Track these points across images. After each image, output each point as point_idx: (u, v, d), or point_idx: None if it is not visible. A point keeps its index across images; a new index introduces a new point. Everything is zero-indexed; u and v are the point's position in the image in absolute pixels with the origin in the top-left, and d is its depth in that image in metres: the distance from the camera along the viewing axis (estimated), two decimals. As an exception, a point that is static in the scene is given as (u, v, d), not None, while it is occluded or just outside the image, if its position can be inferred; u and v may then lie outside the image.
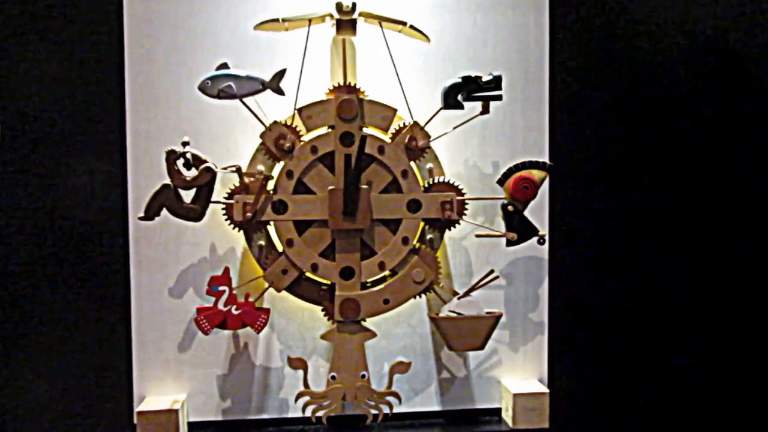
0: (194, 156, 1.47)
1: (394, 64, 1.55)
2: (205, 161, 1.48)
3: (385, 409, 1.58)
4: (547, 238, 1.60)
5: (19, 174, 1.59)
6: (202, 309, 1.52)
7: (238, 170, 1.51)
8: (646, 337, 1.79)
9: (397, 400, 1.59)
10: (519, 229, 1.57)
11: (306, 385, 1.57)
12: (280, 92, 1.50)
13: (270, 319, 1.58)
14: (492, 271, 1.62)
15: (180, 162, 1.47)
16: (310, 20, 1.52)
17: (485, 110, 1.55)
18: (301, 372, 1.57)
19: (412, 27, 1.54)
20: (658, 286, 1.78)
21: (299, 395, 1.57)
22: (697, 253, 1.79)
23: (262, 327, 1.54)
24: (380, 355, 1.67)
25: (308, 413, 1.57)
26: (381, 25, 1.54)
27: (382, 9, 1.56)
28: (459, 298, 1.60)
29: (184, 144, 1.47)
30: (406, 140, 1.54)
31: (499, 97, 1.53)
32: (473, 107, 1.55)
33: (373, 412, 1.58)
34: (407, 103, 1.56)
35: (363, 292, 1.55)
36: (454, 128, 1.57)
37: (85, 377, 1.62)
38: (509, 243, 1.58)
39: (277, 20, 1.51)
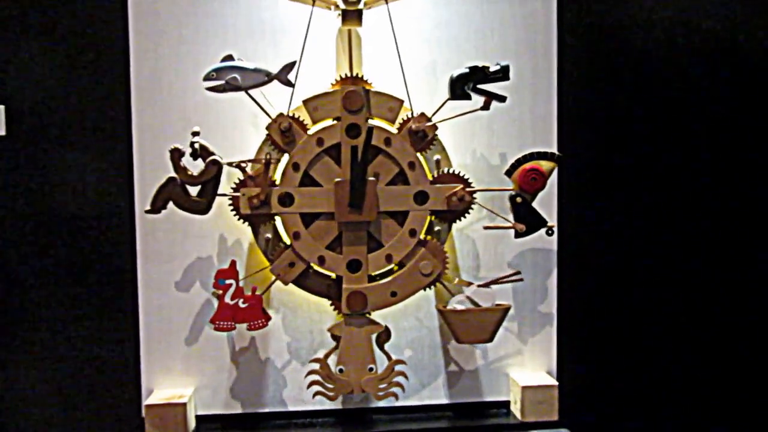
0: (202, 146, 1.47)
1: (399, 59, 1.54)
2: (213, 153, 1.47)
3: (402, 381, 1.56)
4: (555, 229, 1.58)
5: (25, 167, 1.59)
6: (213, 318, 1.51)
7: (240, 166, 1.49)
8: (656, 329, 1.77)
9: (403, 365, 1.56)
10: (527, 220, 1.56)
11: (326, 357, 1.56)
12: (290, 84, 1.49)
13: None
14: (518, 272, 1.61)
15: (188, 152, 1.46)
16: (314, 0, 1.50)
17: (486, 107, 1.53)
18: (320, 355, 1.56)
19: None
20: (668, 278, 1.77)
21: (314, 360, 1.56)
22: (708, 245, 1.77)
23: (257, 328, 1.53)
24: (388, 348, 1.65)
25: (307, 380, 1.55)
26: (387, 2, 1.52)
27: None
28: (479, 286, 1.58)
29: (194, 134, 1.47)
30: (413, 131, 1.52)
31: (502, 99, 1.51)
32: (481, 96, 1.53)
33: (394, 390, 1.55)
34: (407, 93, 1.54)
35: (370, 284, 1.54)
36: (458, 115, 1.55)
37: (94, 371, 1.63)
38: (517, 234, 1.56)
39: None
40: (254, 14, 1.60)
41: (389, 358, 1.57)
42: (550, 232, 1.56)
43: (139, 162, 1.60)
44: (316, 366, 1.55)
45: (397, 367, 1.56)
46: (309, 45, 1.51)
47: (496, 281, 1.60)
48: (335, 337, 1.57)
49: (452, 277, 1.64)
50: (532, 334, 1.72)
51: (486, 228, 1.58)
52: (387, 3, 1.53)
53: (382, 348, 1.58)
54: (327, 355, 1.56)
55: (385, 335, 1.59)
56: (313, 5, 1.51)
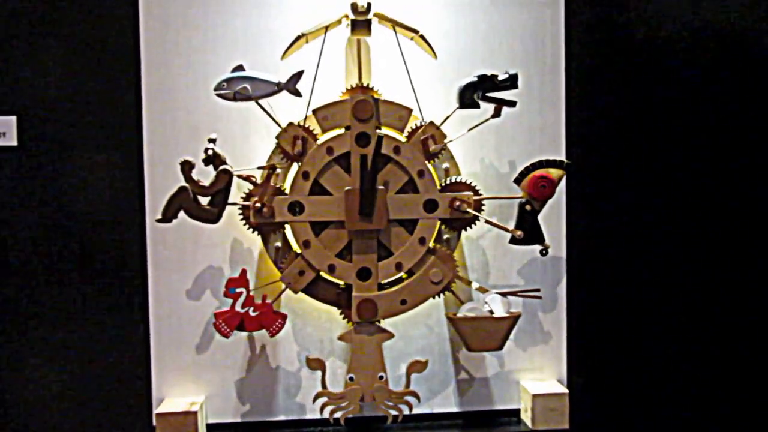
0: (215, 154, 1.47)
1: (407, 69, 1.54)
2: (225, 161, 1.48)
3: (405, 409, 1.57)
4: (550, 250, 1.58)
5: (36, 176, 1.60)
6: (220, 313, 1.52)
7: (249, 179, 1.50)
8: (666, 337, 1.77)
9: (416, 400, 1.58)
10: (528, 230, 1.56)
11: (324, 385, 1.57)
12: (297, 94, 1.50)
13: (287, 321, 1.58)
14: (538, 290, 1.62)
15: (201, 158, 1.47)
16: (327, 27, 1.52)
17: (497, 114, 1.54)
18: (318, 373, 1.57)
19: (422, 37, 1.53)
20: (678, 285, 1.76)
21: (317, 396, 1.57)
22: (719, 252, 1.77)
23: (277, 331, 1.54)
24: (398, 356, 1.66)
25: (326, 414, 1.57)
26: (395, 30, 1.54)
27: (397, 7, 1.56)
28: (498, 293, 1.58)
29: (210, 140, 1.48)
30: (422, 140, 1.53)
31: (512, 104, 1.52)
32: (489, 106, 1.54)
33: (393, 412, 1.57)
34: (417, 103, 1.55)
35: (380, 293, 1.54)
36: (469, 130, 1.56)
37: (105, 379, 1.63)
38: (513, 240, 1.56)
39: (297, 39, 1.50)
40: (263, 24, 1.61)
41: (408, 385, 1.58)
42: (544, 252, 1.57)
43: (150, 171, 1.61)
44: (324, 399, 1.56)
45: (408, 398, 1.57)
46: (318, 54, 1.53)
47: (514, 293, 1.61)
48: (312, 366, 1.56)
49: (468, 281, 1.63)
50: (543, 342, 1.71)
51: (487, 222, 1.58)
52: (395, 30, 1.54)
53: (408, 376, 1.58)
54: (323, 383, 1.56)
55: (419, 367, 1.58)
56: (326, 32, 1.52)
